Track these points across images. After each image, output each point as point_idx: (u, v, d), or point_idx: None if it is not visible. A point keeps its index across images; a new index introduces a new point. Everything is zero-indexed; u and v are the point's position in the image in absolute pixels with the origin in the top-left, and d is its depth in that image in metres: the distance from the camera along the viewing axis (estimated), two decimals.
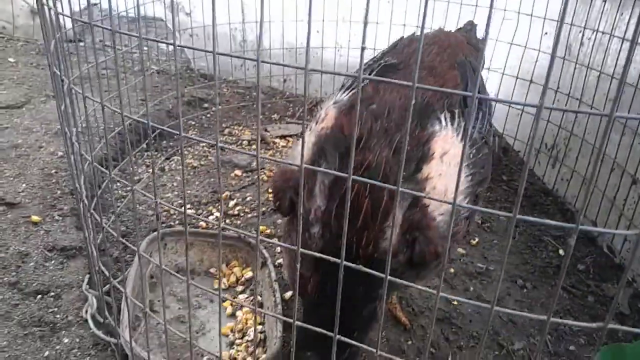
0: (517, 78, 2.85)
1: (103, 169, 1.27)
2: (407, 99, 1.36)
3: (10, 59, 3.81)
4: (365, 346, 0.98)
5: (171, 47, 3.95)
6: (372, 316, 1.27)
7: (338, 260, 0.89)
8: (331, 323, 0.92)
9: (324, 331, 0.95)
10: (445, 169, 1.31)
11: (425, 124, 1.34)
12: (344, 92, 1.50)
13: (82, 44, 3.62)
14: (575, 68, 2.56)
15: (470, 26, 2.29)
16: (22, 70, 3.63)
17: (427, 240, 1.19)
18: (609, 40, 2.34)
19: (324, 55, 3.60)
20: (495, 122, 3.32)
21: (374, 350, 0.93)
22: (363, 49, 0.76)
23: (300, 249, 0.93)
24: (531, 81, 2.78)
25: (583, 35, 2.57)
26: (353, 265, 0.90)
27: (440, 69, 1.49)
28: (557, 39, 0.67)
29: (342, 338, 0.95)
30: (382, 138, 1.26)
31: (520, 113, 2.87)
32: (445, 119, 1.38)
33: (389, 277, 0.88)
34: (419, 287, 0.92)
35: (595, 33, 2.44)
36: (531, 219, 0.70)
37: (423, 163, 1.25)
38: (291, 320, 0.99)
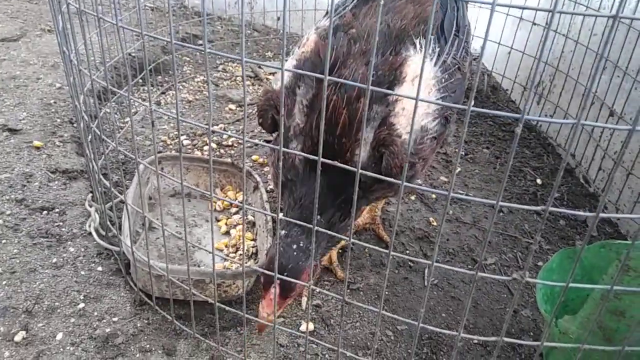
0: (507, 15, 2.88)
1: (103, 83, 1.35)
2: (386, 23, 1.43)
3: None
4: (340, 236, 1.11)
5: None
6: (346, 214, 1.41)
7: (316, 158, 0.99)
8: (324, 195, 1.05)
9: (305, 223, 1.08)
10: (415, 91, 1.39)
11: (400, 49, 1.41)
12: (326, 18, 1.57)
13: None
14: (563, 4, 2.59)
15: None
16: (15, 5, 3.61)
17: (393, 154, 1.30)
18: None
19: None
20: (484, 61, 3.38)
21: (347, 239, 1.05)
22: None
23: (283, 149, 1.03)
24: (521, 18, 2.82)
25: None
26: (330, 161, 1.01)
27: None
28: None
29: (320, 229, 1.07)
30: (358, 59, 1.35)
31: (509, 52, 2.91)
32: (421, 44, 1.45)
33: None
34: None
35: None
36: (534, 117, 0.80)
37: (395, 85, 1.34)
38: (274, 215, 1.11)
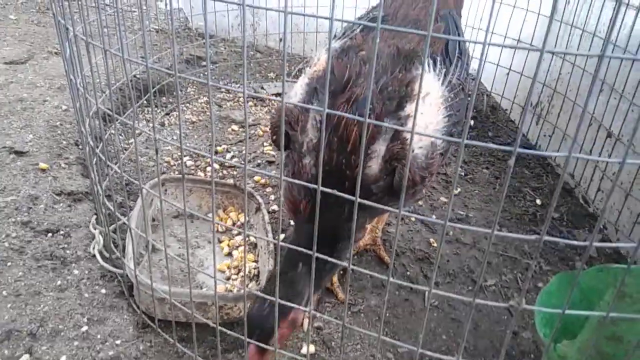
0: (505, 37, 2.93)
1: (108, 111, 1.39)
2: (395, 46, 1.47)
3: (11, 16, 3.87)
4: (341, 262, 1.13)
5: (169, 7, 3.97)
6: (350, 234, 1.42)
7: (315, 186, 1.02)
8: (319, 236, 1.07)
9: (305, 250, 1.10)
10: (426, 109, 1.44)
11: (410, 68, 1.46)
12: (336, 40, 1.63)
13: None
14: (560, 26, 2.64)
15: None
16: (23, 28, 3.69)
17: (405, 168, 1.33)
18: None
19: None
20: (484, 81, 3.42)
21: (346, 264, 1.07)
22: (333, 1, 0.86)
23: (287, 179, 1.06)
24: (519, 40, 2.86)
25: None
26: (332, 191, 1.03)
27: (424, 22, 1.59)
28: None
29: (320, 256, 1.09)
30: (369, 78, 1.39)
31: (507, 72, 2.96)
32: (428, 65, 1.50)
33: (370, 203, 1.01)
34: (388, 209, 1.05)
35: None
36: (527, 150, 0.83)
37: (406, 101, 1.38)
38: (275, 241, 1.13)
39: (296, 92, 1.52)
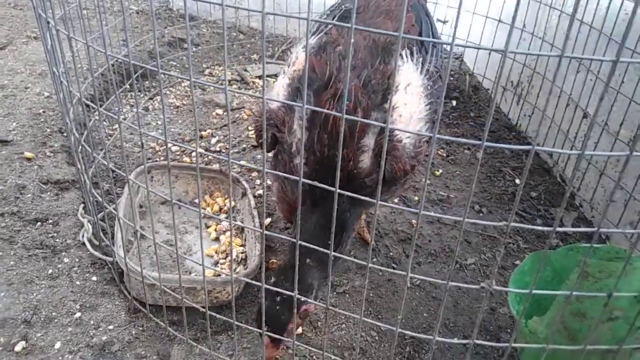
0: (486, 17, 2.96)
1: (91, 104, 1.41)
2: (371, 38, 1.50)
3: None
4: (344, 256, 1.18)
5: None
6: (348, 227, 1.47)
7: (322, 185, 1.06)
8: (325, 229, 1.11)
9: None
10: (409, 98, 1.48)
11: (389, 60, 1.49)
12: (312, 36, 1.64)
13: None
14: (539, 8, 2.68)
15: None
16: (0, 11, 3.63)
17: (396, 159, 1.38)
18: None
19: None
20: (466, 61, 3.46)
21: (327, 252, 1.13)
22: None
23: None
24: (499, 21, 2.90)
25: None
26: (315, 183, 1.07)
27: (397, 12, 1.62)
28: None
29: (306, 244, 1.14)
30: (350, 73, 1.42)
31: (489, 53, 2.99)
32: (406, 55, 1.53)
33: (363, 197, 1.05)
34: (392, 205, 1.10)
35: None
36: (495, 144, 0.87)
37: (389, 94, 1.42)
38: (260, 231, 1.18)
39: (278, 93, 1.53)
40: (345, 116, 0.95)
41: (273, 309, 1.33)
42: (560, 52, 0.81)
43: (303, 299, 1.20)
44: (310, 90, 1.46)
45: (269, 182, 2.03)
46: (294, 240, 1.15)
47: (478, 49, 0.87)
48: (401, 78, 1.46)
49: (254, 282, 1.30)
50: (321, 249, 1.14)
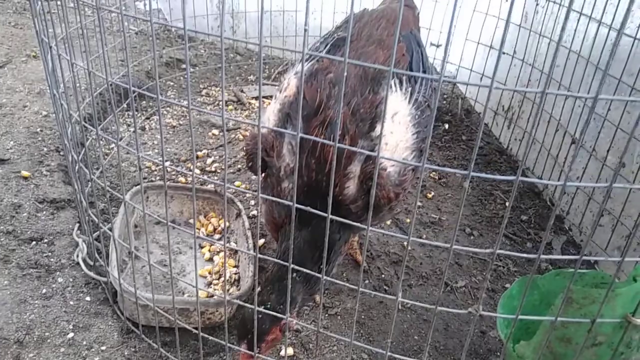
0: (478, 43, 3.03)
1: (89, 127, 1.44)
2: (361, 67, 1.54)
3: None
4: (330, 278, 1.20)
5: (148, 7, 3.99)
6: (336, 249, 1.50)
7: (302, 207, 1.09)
8: (311, 248, 1.14)
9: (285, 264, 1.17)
10: (396, 127, 1.52)
11: (378, 90, 1.53)
12: (305, 63, 1.69)
13: (58, 2, 3.67)
14: (529, 35, 2.75)
15: None
16: (0, 30, 3.67)
17: (380, 187, 1.41)
18: (558, 10, 2.53)
19: (298, 19, 3.71)
20: (458, 85, 3.53)
21: (320, 276, 1.15)
22: (306, 30, 0.93)
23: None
24: (491, 46, 2.97)
25: (537, 4, 2.74)
26: (304, 207, 1.10)
27: (388, 41, 1.67)
28: (511, 7, 0.84)
29: (297, 268, 1.17)
30: (340, 101, 1.46)
31: (480, 77, 3.06)
32: (395, 84, 1.57)
33: (350, 221, 1.08)
34: (379, 230, 1.13)
35: (547, 2, 2.62)
36: (481, 174, 0.91)
37: (376, 122, 1.45)
38: (254, 254, 1.21)
39: (268, 118, 1.58)
40: (338, 145, 0.98)
41: (253, 319, 1.36)
42: (543, 89, 0.86)
43: (290, 318, 1.23)
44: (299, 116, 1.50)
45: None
46: (279, 261, 1.18)
47: (467, 84, 0.90)
48: (389, 107, 1.50)
49: (246, 304, 1.32)
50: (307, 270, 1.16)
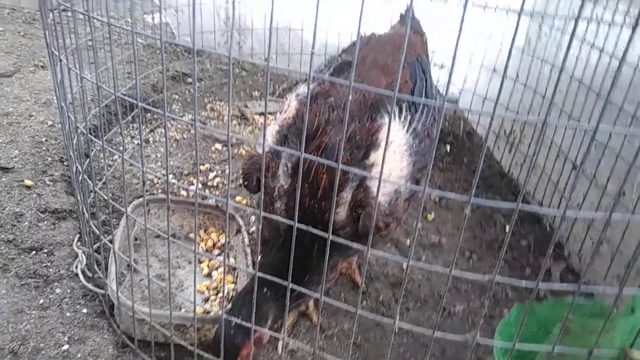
0: (481, 67, 3.06)
1: (95, 140, 1.45)
2: (361, 93, 1.56)
3: None
4: (311, 292, 1.21)
5: (156, 20, 4.05)
6: (321, 269, 1.50)
7: (292, 222, 1.10)
8: (288, 268, 1.14)
9: (278, 280, 1.18)
10: (390, 156, 1.52)
11: (376, 116, 1.54)
12: (305, 85, 1.71)
13: (68, 13, 3.72)
14: (532, 60, 2.78)
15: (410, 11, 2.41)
16: (9, 39, 3.72)
17: (369, 215, 1.41)
18: (561, 36, 2.56)
19: (304, 37, 3.75)
20: (461, 107, 3.55)
21: (318, 295, 1.15)
22: (312, 53, 0.95)
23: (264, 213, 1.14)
24: (494, 70, 3.00)
25: (541, 30, 2.78)
26: (305, 227, 1.11)
27: (392, 67, 1.69)
28: (516, 32, 0.86)
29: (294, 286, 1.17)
30: (337, 126, 1.47)
31: (483, 100, 3.08)
32: (394, 112, 1.58)
33: (340, 242, 1.09)
34: (378, 252, 1.14)
35: (551, 29, 2.65)
36: (482, 200, 0.92)
37: (371, 150, 1.46)
38: (252, 272, 1.21)
39: (267, 139, 1.59)
40: (341, 166, 0.99)
41: (227, 332, 1.36)
42: (544, 117, 0.87)
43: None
44: (297, 139, 1.52)
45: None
46: (255, 270, 1.19)
47: (469, 111, 0.92)
48: (385, 135, 1.51)
49: (243, 322, 1.32)
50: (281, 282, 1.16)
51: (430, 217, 2.54)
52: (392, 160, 1.49)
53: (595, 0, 2.36)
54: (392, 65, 1.68)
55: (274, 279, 1.19)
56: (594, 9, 2.36)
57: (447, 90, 1.09)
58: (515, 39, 0.88)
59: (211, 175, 2.69)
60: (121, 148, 1.37)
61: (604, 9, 2.31)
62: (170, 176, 2.62)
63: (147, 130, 3.05)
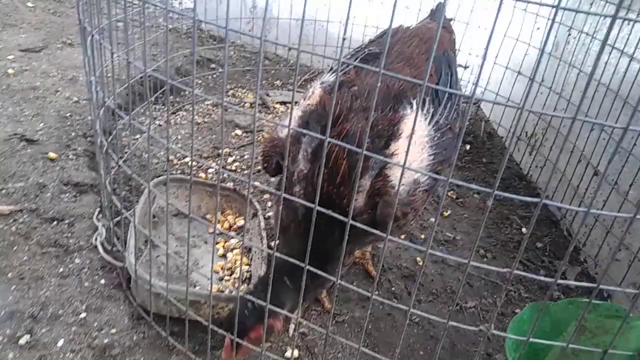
0: (506, 68, 3.04)
1: (122, 114, 1.48)
2: (385, 84, 1.56)
3: (29, 4, 3.95)
4: (329, 278, 1.22)
5: (184, 6, 4.07)
6: (332, 263, 1.50)
7: (312, 205, 1.11)
8: (303, 255, 1.16)
9: (297, 262, 1.19)
10: (411, 147, 1.52)
11: (398, 107, 1.54)
12: (331, 74, 1.71)
13: None
14: (559, 64, 2.75)
15: (441, 8, 2.36)
16: (39, 16, 3.78)
17: (387, 204, 1.42)
18: (590, 42, 2.53)
19: (329, 29, 3.75)
20: (482, 107, 3.53)
21: (334, 279, 1.16)
22: (344, 39, 0.96)
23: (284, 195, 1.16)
24: (519, 73, 2.97)
25: (569, 34, 2.75)
26: (324, 210, 1.12)
27: (417, 60, 1.68)
28: (547, 38, 0.86)
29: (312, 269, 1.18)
30: (359, 114, 1.48)
31: (506, 101, 3.06)
32: (417, 104, 1.58)
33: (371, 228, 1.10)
34: (397, 240, 1.15)
35: (579, 33, 2.62)
36: (505, 194, 0.92)
37: (392, 140, 1.47)
38: (271, 251, 1.23)
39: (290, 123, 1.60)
40: (364, 152, 1.00)
41: (241, 312, 1.38)
42: (574, 115, 0.87)
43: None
44: (318, 125, 1.52)
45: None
46: (272, 252, 1.21)
47: (494, 103, 0.92)
48: (406, 126, 1.50)
49: (258, 300, 1.34)
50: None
51: (446, 213, 2.54)
52: (413, 151, 1.49)
53: (629, 8, 2.33)
54: (418, 57, 1.68)
55: (295, 261, 1.20)
56: (626, 14, 2.33)
57: (476, 83, 1.10)
58: (546, 43, 0.88)
59: (230, 159, 2.72)
60: (147, 122, 1.39)
61: (638, 14, 2.28)
62: (189, 158, 2.65)
63: (169, 112, 3.08)
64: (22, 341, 1.47)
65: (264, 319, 1.40)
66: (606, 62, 2.41)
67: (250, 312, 1.39)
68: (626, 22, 2.31)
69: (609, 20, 2.41)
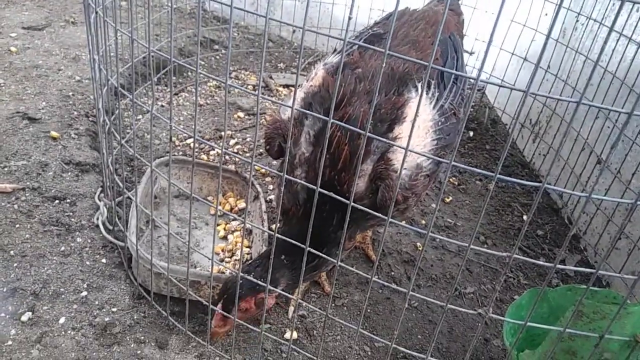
0: (512, 54, 3.01)
1: (126, 93, 1.47)
2: (390, 66, 1.54)
3: None
4: (329, 259, 1.22)
5: None
6: (330, 245, 1.51)
7: (314, 187, 1.11)
8: (303, 236, 1.16)
9: (298, 243, 1.20)
10: (415, 131, 1.51)
11: (402, 91, 1.53)
12: (335, 55, 1.69)
13: None
14: (565, 51, 2.72)
15: None
16: None
17: (388, 187, 1.42)
18: (598, 28, 2.50)
19: (334, 12, 3.72)
20: (487, 94, 3.51)
21: (335, 261, 1.17)
22: (350, 18, 0.95)
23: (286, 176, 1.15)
24: (525, 59, 2.94)
25: (577, 20, 2.71)
26: (326, 192, 1.12)
27: (423, 43, 1.66)
28: (553, 23, 0.85)
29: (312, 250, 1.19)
30: (362, 97, 1.47)
31: (511, 88, 3.04)
32: (422, 87, 1.57)
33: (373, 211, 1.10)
34: (398, 223, 1.15)
35: (588, 20, 2.59)
36: (506, 178, 0.92)
37: (395, 124, 1.46)
38: (272, 233, 1.23)
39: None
40: (368, 134, 1.00)
41: (234, 283, 1.41)
42: (579, 99, 0.86)
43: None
44: (321, 108, 1.52)
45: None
46: (274, 234, 1.22)
47: (500, 86, 0.91)
48: (410, 110, 1.49)
49: (259, 281, 1.35)
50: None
51: (448, 199, 2.54)
52: (416, 135, 1.48)
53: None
54: (424, 40, 1.66)
55: (294, 242, 1.21)
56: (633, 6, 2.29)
57: (481, 69, 1.09)
58: (552, 29, 0.87)
59: (232, 142, 2.71)
60: (150, 102, 1.39)
61: None
62: (191, 140, 2.65)
63: (173, 93, 3.06)
64: (24, 318, 1.48)
65: (256, 292, 1.43)
66: (613, 50, 2.38)
67: (243, 283, 1.41)
68: (635, 9, 2.28)
69: (617, 6, 2.39)
